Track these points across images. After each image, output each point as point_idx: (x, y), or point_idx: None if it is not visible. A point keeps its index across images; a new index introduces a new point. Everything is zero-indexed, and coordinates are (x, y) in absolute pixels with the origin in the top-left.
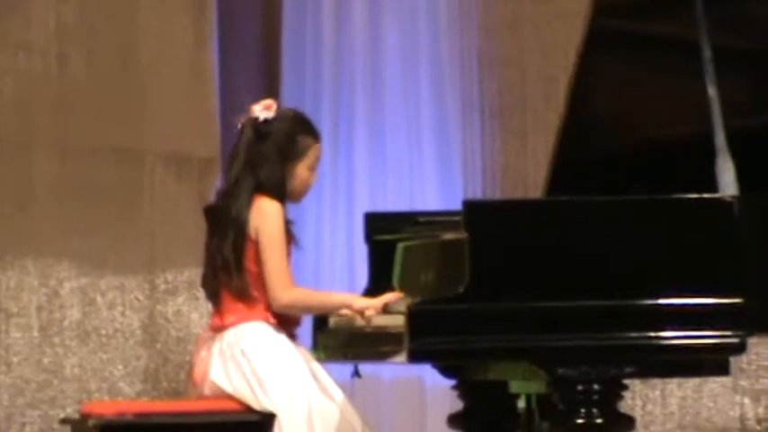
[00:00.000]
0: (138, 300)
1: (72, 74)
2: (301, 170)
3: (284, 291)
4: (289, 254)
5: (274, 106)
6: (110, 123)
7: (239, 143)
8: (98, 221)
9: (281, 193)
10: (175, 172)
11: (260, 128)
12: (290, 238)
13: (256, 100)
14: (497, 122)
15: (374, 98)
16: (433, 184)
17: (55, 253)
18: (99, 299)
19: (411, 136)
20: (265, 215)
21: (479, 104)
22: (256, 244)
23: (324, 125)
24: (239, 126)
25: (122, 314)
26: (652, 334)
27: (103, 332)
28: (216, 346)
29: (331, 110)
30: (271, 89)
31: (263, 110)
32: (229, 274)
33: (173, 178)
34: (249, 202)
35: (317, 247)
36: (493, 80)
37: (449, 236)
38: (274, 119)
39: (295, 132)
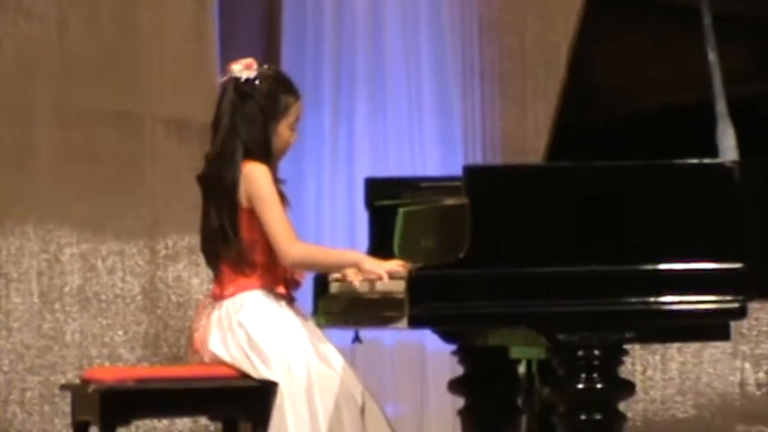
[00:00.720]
0: (138, 265)
1: (72, 39)
2: (283, 129)
3: (292, 246)
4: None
5: (255, 65)
6: (110, 88)
7: (222, 105)
8: (99, 187)
9: (267, 154)
10: (176, 137)
11: (241, 88)
12: (282, 198)
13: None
14: (497, 88)
15: (375, 63)
16: (433, 150)
17: (56, 218)
18: (99, 264)
19: (412, 101)
20: (254, 179)
21: (480, 70)
22: (248, 211)
23: (324, 90)
24: (221, 88)
25: (123, 280)
26: (652, 299)
27: (104, 298)
28: (215, 315)
29: (332, 75)
30: (271, 54)
31: (243, 69)
32: (226, 241)
33: (173, 143)
34: (239, 164)
35: (317, 213)
36: (493, 46)
37: (449, 201)
38: (255, 78)
39: (276, 91)
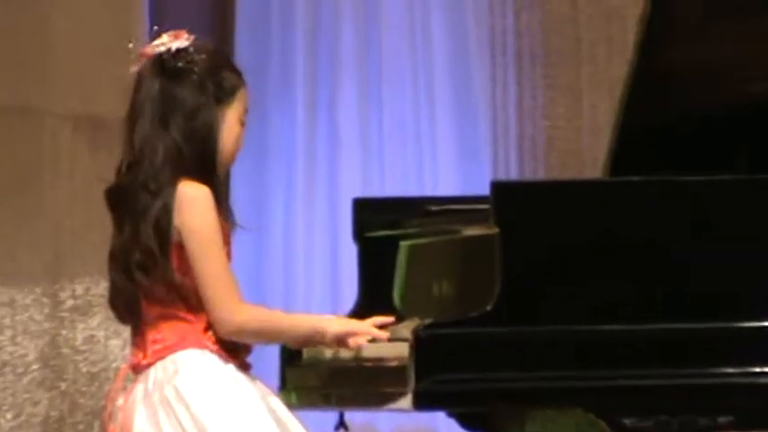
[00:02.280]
0: (34, 321)
1: None
2: (232, 118)
3: (231, 309)
4: (228, 257)
5: (186, 35)
6: None
7: (141, 93)
8: None
9: (210, 159)
10: (87, 139)
11: (171, 63)
12: (226, 229)
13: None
14: (540, 74)
15: (367, 38)
16: (448, 158)
17: None
18: None
19: (419, 91)
20: (189, 205)
21: (515, 49)
22: (180, 249)
23: (296, 74)
24: (136, 77)
25: (13, 341)
26: (757, 369)
27: None
28: (138, 389)
29: (307, 55)
30: (221, 27)
31: (172, 40)
32: (153, 269)
33: (84, 147)
34: (173, 179)
35: (286, 249)
36: (533, 15)
37: (471, 231)
38: (188, 48)
39: (219, 66)
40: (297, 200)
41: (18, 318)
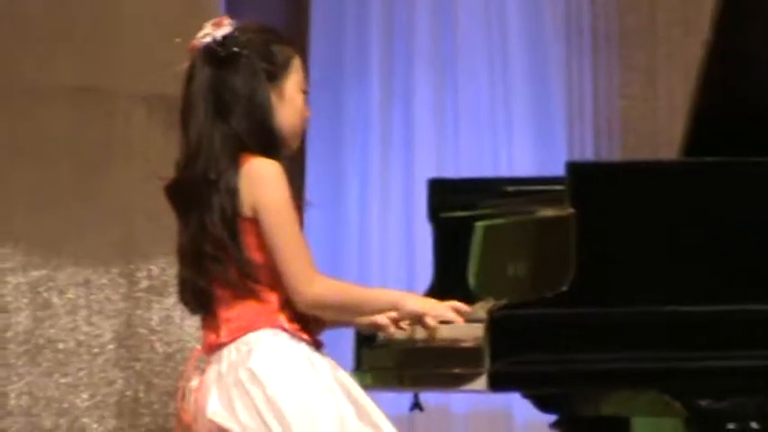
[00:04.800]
0: (109, 301)
1: None
2: (291, 90)
3: (309, 281)
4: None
5: (227, 20)
6: (69, 56)
7: (191, 88)
8: (52, 190)
9: (272, 138)
10: (162, 121)
11: (218, 53)
12: (299, 206)
13: (277, 20)
14: (615, 53)
15: (442, 18)
16: (524, 140)
17: None
18: (55, 299)
19: (494, 72)
20: (260, 180)
21: (590, 28)
22: (254, 224)
23: (371, 59)
24: (186, 69)
25: (88, 321)
26: None
27: (62, 347)
28: (212, 370)
29: (382, 41)
30: (296, 14)
31: (213, 29)
32: (224, 257)
33: (158, 130)
34: (233, 161)
35: (362, 228)
36: None
37: (547, 212)
38: (233, 33)
39: (268, 41)
40: (373, 182)
41: (93, 297)
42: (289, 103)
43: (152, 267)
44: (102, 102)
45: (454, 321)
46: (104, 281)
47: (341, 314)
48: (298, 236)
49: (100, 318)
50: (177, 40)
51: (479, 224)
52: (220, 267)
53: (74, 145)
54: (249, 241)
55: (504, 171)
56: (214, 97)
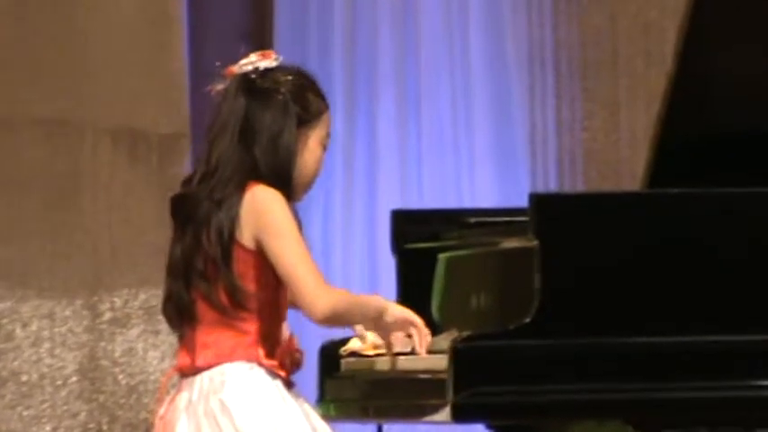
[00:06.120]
0: (73, 333)
1: None
2: (315, 141)
3: (321, 294)
4: None
5: (275, 55)
6: (36, 89)
7: (222, 112)
8: (18, 222)
9: (286, 180)
10: (127, 153)
11: (256, 83)
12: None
13: (239, 53)
14: (578, 85)
15: (405, 47)
16: (486, 170)
17: None
18: (18, 331)
19: (456, 101)
20: (263, 204)
21: (552, 60)
22: (250, 255)
23: (334, 87)
24: (223, 93)
25: (51, 353)
26: None
27: (25, 379)
28: (182, 397)
29: (344, 65)
30: (260, 37)
31: (260, 59)
32: (213, 275)
33: (124, 162)
34: (240, 187)
35: (324, 260)
36: (571, 28)
37: (510, 243)
38: (277, 69)
39: (305, 88)
40: (335, 211)
41: (57, 330)
42: (310, 153)
43: (115, 299)
44: (70, 134)
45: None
46: (68, 313)
47: (345, 323)
48: (305, 253)
49: (63, 350)
50: (217, 63)
51: (442, 256)
52: (207, 285)
53: (41, 176)
54: (242, 270)
55: (467, 201)
56: (244, 124)
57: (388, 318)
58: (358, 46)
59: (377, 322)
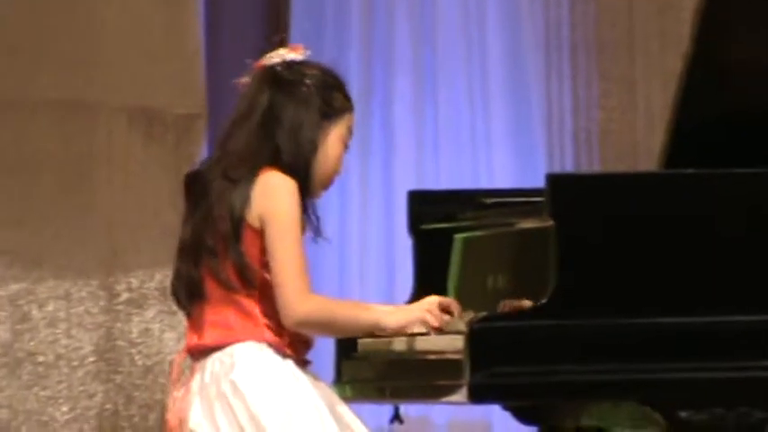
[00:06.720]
0: (89, 314)
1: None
2: (335, 137)
3: (299, 299)
4: None
5: (303, 49)
6: (50, 71)
7: (246, 101)
8: (33, 203)
9: (306, 167)
10: (143, 133)
11: (283, 75)
12: (304, 228)
13: (255, 35)
14: (594, 66)
15: (421, 31)
16: (503, 152)
17: None
18: (35, 312)
19: (473, 83)
20: (272, 190)
21: (569, 40)
22: (258, 236)
23: (351, 71)
24: (251, 82)
25: (68, 334)
26: None
27: (41, 359)
28: (195, 380)
29: (361, 49)
30: (275, 18)
31: (286, 51)
32: (222, 251)
33: (139, 142)
34: (255, 170)
35: (341, 241)
36: (588, 7)
37: (526, 224)
38: (303, 62)
39: (330, 85)
40: (352, 193)
41: (73, 311)
42: (329, 148)
43: (132, 280)
44: (84, 115)
45: (431, 332)
46: (84, 294)
47: (323, 333)
48: (299, 252)
49: (80, 330)
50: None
51: (459, 236)
52: (216, 262)
53: (56, 158)
54: (250, 251)
55: (483, 182)
56: (267, 113)
57: (385, 329)
58: (375, 28)
59: (376, 332)
